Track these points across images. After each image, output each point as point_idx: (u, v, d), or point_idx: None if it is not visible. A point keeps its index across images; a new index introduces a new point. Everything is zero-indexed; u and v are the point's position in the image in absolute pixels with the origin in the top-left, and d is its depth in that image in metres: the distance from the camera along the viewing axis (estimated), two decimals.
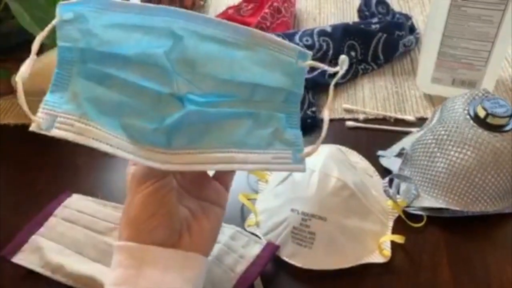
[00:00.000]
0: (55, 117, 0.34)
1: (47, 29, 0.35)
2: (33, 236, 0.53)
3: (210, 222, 0.41)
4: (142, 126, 0.35)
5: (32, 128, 0.33)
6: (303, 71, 0.39)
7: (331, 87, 0.38)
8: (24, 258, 0.51)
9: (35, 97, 0.64)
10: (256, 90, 0.38)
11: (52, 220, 0.54)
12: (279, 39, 0.38)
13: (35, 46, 0.34)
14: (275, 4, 0.77)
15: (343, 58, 0.37)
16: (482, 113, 0.51)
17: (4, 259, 0.51)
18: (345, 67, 0.37)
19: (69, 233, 0.53)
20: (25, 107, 0.32)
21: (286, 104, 0.39)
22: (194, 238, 0.39)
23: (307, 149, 0.38)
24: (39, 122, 0.33)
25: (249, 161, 0.36)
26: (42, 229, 0.53)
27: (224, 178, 0.43)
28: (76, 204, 0.56)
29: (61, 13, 0.35)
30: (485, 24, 0.57)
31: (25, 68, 0.33)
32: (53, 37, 0.35)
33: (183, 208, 0.40)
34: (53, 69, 0.73)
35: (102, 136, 0.34)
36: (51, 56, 0.65)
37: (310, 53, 0.39)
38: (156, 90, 0.35)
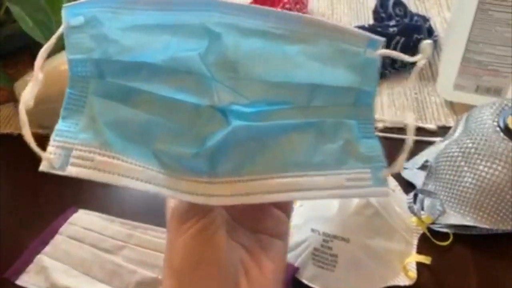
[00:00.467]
0: (69, 150, 0.28)
1: (52, 39, 0.28)
2: (38, 256, 0.50)
3: (272, 261, 0.33)
4: (179, 151, 0.29)
5: (42, 167, 0.27)
6: (375, 62, 0.31)
7: (409, 82, 0.32)
8: (28, 280, 0.49)
9: (35, 107, 0.61)
10: (316, 93, 0.31)
11: (57, 238, 0.52)
12: (341, 24, 0.31)
13: (38, 63, 0.28)
14: (286, 6, 0.74)
15: (427, 43, 0.29)
16: None
17: (8, 281, 0.48)
18: (426, 54, 0.30)
19: (75, 252, 0.50)
20: (32, 144, 0.27)
21: (356, 107, 0.31)
22: (254, 285, 0.31)
23: (389, 167, 0.30)
24: (50, 159, 0.27)
25: (317, 186, 0.29)
26: (47, 248, 0.51)
27: (284, 202, 0.35)
28: (82, 220, 0.53)
29: (69, 17, 0.28)
30: None
31: (29, 93, 0.28)
32: (61, 43, 0.30)
33: (236, 247, 0.33)
34: (56, 75, 0.69)
35: (130, 169, 0.28)
36: (54, 62, 0.62)
37: (382, 39, 0.31)
38: (193, 103, 0.29)
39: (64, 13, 0.28)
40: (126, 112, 0.29)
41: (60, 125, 0.28)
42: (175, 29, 0.29)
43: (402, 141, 0.64)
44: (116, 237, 0.51)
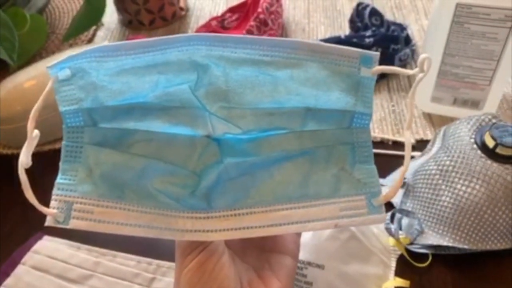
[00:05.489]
0: (71, 204, 0.29)
1: (43, 95, 0.29)
2: None
3: (280, 279, 0.33)
4: (176, 190, 0.29)
5: (48, 223, 0.29)
6: (371, 81, 0.30)
7: (411, 98, 0.30)
8: None
9: (4, 125, 0.58)
10: (309, 117, 0.30)
11: (20, 269, 0.49)
12: (332, 45, 0.30)
13: (30, 124, 0.28)
14: (261, 16, 0.71)
15: (425, 57, 0.28)
16: (490, 143, 0.46)
17: None
18: (427, 68, 0.28)
19: (39, 284, 0.47)
20: (37, 205, 0.28)
21: (351, 130, 0.30)
22: None
23: (385, 191, 0.30)
24: (54, 214, 0.28)
25: (311, 217, 0.29)
26: (8, 280, 0.48)
27: None
28: (47, 248, 0.50)
29: (55, 73, 0.29)
30: (490, 41, 0.53)
31: (25, 154, 0.28)
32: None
33: (246, 269, 0.33)
34: (19, 93, 0.66)
35: (129, 216, 0.29)
36: (17, 79, 0.59)
37: (376, 54, 0.30)
38: (188, 136, 0.28)
39: (49, 70, 0.29)
40: (122, 158, 0.29)
41: (60, 178, 0.29)
42: (163, 67, 0.29)
43: (379, 156, 0.62)
44: (83, 266, 0.49)
